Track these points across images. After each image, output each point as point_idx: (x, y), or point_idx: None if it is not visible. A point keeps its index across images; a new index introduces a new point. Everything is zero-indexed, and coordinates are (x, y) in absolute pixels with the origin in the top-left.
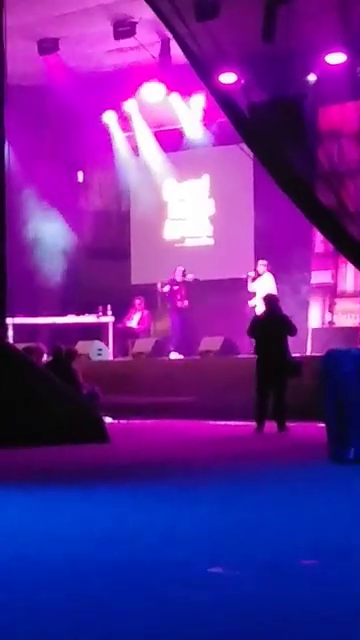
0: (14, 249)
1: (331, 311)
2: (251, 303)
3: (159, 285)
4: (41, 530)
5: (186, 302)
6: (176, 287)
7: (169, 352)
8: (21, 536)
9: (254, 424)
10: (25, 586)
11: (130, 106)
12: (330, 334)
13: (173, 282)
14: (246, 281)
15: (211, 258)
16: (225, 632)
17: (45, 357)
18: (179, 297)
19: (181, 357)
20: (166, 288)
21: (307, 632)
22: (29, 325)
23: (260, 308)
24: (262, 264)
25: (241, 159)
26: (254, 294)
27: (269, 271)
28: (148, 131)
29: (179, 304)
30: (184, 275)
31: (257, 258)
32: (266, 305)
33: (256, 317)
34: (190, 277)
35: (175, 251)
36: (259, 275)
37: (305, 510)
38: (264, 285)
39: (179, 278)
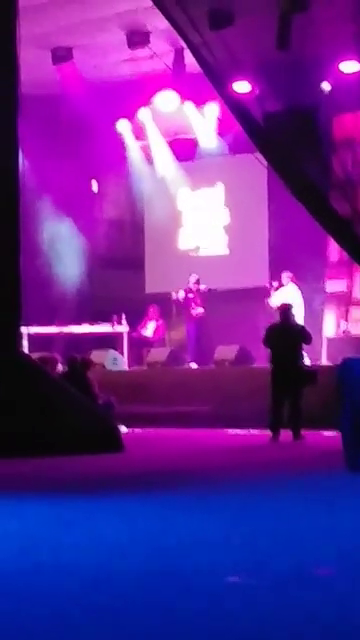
0: (29, 258)
1: (346, 320)
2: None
3: (173, 294)
4: (56, 539)
5: (201, 310)
6: (191, 295)
7: (187, 362)
8: (36, 545)
9: (269, 433)
10: (40, 596)
11: (144, 115)
12: (345, 343)
13: (188, 290)
14: (269, 291)
15: (226, 267)
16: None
17: (60, 367)
18: (193, 305)
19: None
20: (181, 293)
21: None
22: (44, 335)
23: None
24: (286, 276)
25: (255, 168)
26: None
27: (293, 282)
28: (162, 140)
29: (193, 312)
30: (197, 283)
31: (272, 267)
32: (280, 314)
33: (271, 326)
34: (204, 287)
35: (189, 260)
36: (282, 285)
37: (321, 519)
38: (288, 295)
39: (193, 286)
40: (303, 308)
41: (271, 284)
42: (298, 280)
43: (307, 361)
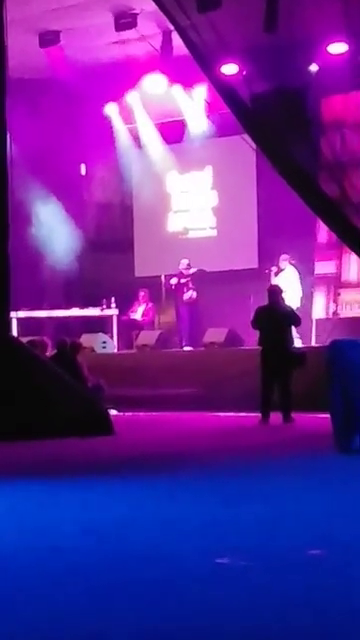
0: (18, 243)
1: (335, 302)
2: None
3: (163, 277)
4: (46, 522)
5: (194, 294)
6: (183, 280)
7: (181, 346)
8: (26, 528)
9: (259, 415)
10: (30, 577)
11: (132, 98)
12: (334, 325)
13: (180, 275)
14: (269, 276)
15: (214, 250)
16: (233, 622)
17: (49, 350)
18: (185, 290)
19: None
20: (173, 280)
21: (314, 622)
22: (33, 319)
23: (290, 303)
24: (284, 259)
25: (244, 150)
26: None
27: (291, 264)
28: (150, 123)
29: (185, 297)
30: (188, 267)
31: (260, 249)
32: (269, 296)
33: (260, 308)
34: (194, 270)
35: (178, 243)
36: (281, 270)
37: (312, 500)
38: (287, 279)
39: (184, 271)
40: (301, 290)
41: (270, 269)
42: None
43: (299, 343)
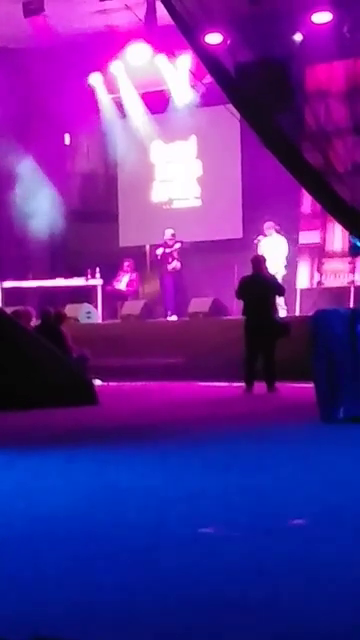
0: (1, 213)
1: (319, 271)
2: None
3: (147, 248)
4: (29, 491)
5: (178, 265)
6: (168, 250)
7: (168, 315)
8: (8, 496)
9: (243, 385)
10: (13, 544)
11: (116, 68)
12: (319, 294)
13: (165, 245)
14: (256, 246)
15: (199, 219)
16: (215, 592)
17: (34, 320)
18: (170, 260)
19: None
20: (159, 251)
21: (297, 590)
22: (17, 289)
23: (274, 268)
24: (268, 226)
25: (228, 120)
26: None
27: (277, 232)
28: (134, 92)
29: (169, 267)
30: (173, 237)
31: (245, 219)
32: (253, 266)
33: (244, 278)
34: (177, 246)
35: (163, 213)
36: (265, 236)
37: (294, 470)
38: (272, 245)
39: (169, 241)
40: (286, 257)
41: (257, 239)
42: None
43: (283, 313)
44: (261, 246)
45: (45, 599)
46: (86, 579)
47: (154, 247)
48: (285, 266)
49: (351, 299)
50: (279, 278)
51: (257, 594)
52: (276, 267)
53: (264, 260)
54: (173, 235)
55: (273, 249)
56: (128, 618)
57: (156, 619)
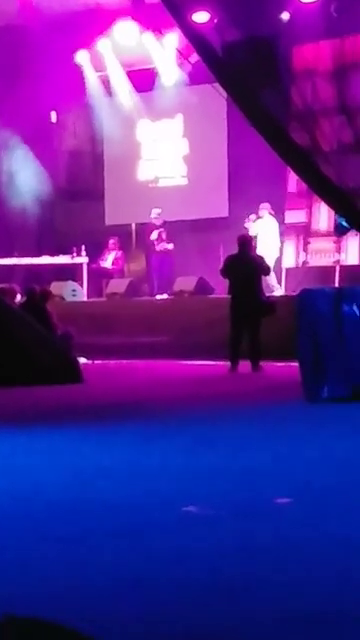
0: None
1: (305, 251)
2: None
3: (133, 226)
4: (13, 470)
5: (170, 246)
6: (157, 231)
7: (153, 294)
8: None
9: (228, 364)
10: None
11: (103, 46)
12: (304, 274)
13: (155, 226)
14: (246, 223)
15: (185, 198)
16: (199, 571)
17: (19, 298)
18: (159, 240)
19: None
20: (154, 236)
21: (281, 571)
22: (3, 266)
23: (265, 250)
24: (263, 207)
25: (215, 99)
26: (256, 237)
27: (271, 214)
28: (121, 71)
29: (158, 247)
30: (159, 216)
31: (231, 198)
32: (239, 245)
33: (229, 257)
34: (160, 231)
35: (149, 191)
36: (259, 218)
37: (279, 449)
38: (265, 228)
39: (157, 221)
40: (279, 241)
41: (249, 217)
42: (256, 211)
43: (279, 292)
44: (253, 227)
45: (27, 579)
46: (69, 558)
47: (140, 225)
48: (279, 248)
49: (336, 278)
50: (272, 260)
51: (243, 574)
52: (269, 249)
53: (250, 239)
54: (158, 215)
55: (266, 231)
56: (113, 598)
57: (141, 598)
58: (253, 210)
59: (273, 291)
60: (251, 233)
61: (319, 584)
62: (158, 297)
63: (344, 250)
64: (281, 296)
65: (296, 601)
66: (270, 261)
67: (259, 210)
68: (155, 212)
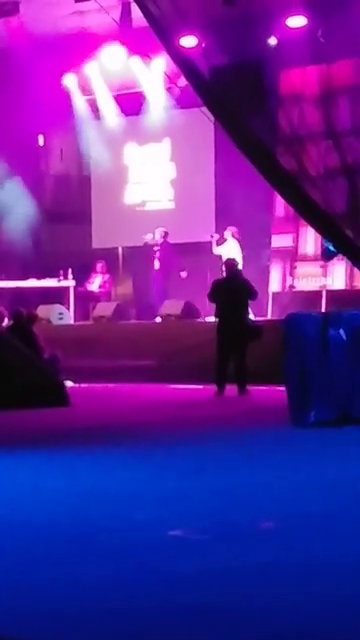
0: None
1: (292, 275)
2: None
3: (120, 250)
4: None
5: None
6: (156, 247)
7: (141, 318)
8: None
9: (215, 387)
10: None
11: (91, 69)
12: (291, 298)
13: (156, 246)
14: (210, 243)
15: (172, 222)
16: (184, 595)
17: (5, 321)
18: (154, 258)
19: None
20: (156, 265)
21: (266, 593)
22: None
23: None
24: (229, 230)
25: (202, 123)
26: (219, 257)
27: (235, 238)
28: (109, 94)
29: (155, 266)
30: (164, 236)
31: (218, 221)
32: (226, 269)
33: (216, 281)
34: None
35: (136, 215)
36: (224, 240)
37: (265, 473)
38: (229, 251)
39: (160, 240)
40: (241, 265)
41: (212, 235)
42: (243, 234)
43: (250, 316)
44: (217, 249)
45: (15, 600)
46: (56, 582)
47: (127, 249)
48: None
49: (323, 303)
50: None
51: (228, 596)
52: None
53: (237, 263)
54: (165, 234)
55: (229, 254)
56: (98, 620)
57: (127, 621)
58: (240, 235)
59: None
60: (215, 253)
61: (304, 607)
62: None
63: (330, 274)
64: (268, 320)
65: (282, 624)
66: None
67: (224, 232)
68: (160, 231)
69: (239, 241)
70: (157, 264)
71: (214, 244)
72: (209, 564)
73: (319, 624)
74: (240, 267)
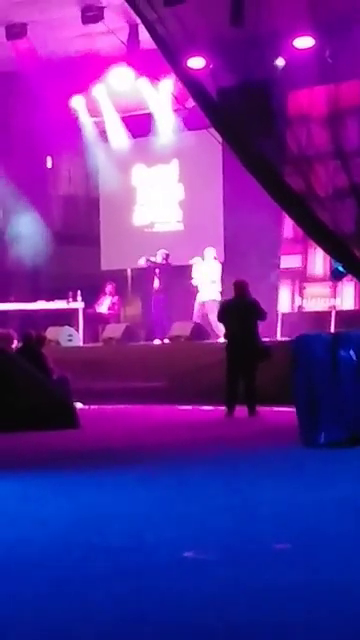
0: None
1: (301, 295)
2: (194, 282)
3: (129, 271)
4: (12, 515)
5: (157, 283)
6: (157, 270)
7: (150, 339)
8: None
9: (224, 409)
10: None
11: (98, 91)
12: (300, 319)
13: (157, 265)
14: (191, 267)
15: (181, 243)
16: (198, 617)
17: (15, 343)
18: (154, 278)
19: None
20: (156, 283)
21: (281, 613)
22: None
23: (204, 291)
24: (209, 251)
25: (210, 144)
26: (197, 279)
27: (215, 259)
28: (117, 116)
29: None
30: (166, 258)
31: (226, 242)
32: (236, 290)
33: (226, 302)
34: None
35: (144, 236)
36: (204, 261)
37: (276, 494)
38: (208, 271)
39: (162, 261)
40: (219, 287)
41: (193, 260)
42: (252, 255)
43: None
44: (197, 270)
45: (24, 626)
46: (68, 605)
47: (136, 270)
48: (220, 292)
49: (332, 324)
50: (214, 303)
51: (239, 619)
52: (210, 293)
53: (246, 284)
54: (167, 256)
55: (209, 274)
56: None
57: None
58: (249, 256)
59: (219, 336)
60: (193, 275)
61: (319, 629)
62: (156, 342)
63: (340, 295)
64: (277, 341)
65: None
66: (210, 306)
67: (204, 253)
68: (162, 253)
69: (219, 262)
70: (157, 284)
71: (195, 266)
72: (224, 585)
73: None
74: (219, 289)
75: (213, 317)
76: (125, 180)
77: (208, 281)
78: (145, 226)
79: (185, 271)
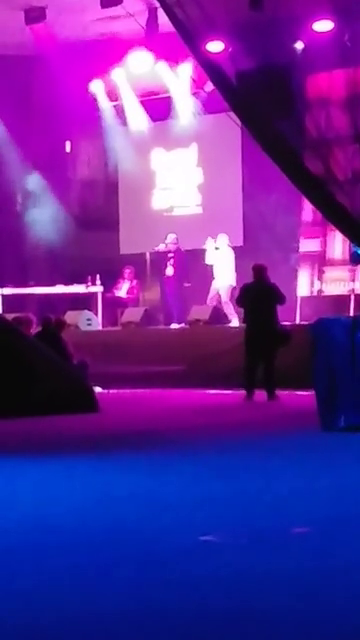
0: (2, 220)
1: (320, 279)
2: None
3: (148, 255)
4: (31, 500)
5: (171, 270)
6: (170, 255)
7: (169, 323)
8: (10, 505)
9: (244, 393)
10: (11, 556)
11: (117, 75)
12: (319, 302)
13: (170, 252)
14: (204, 251)
15: (200, 227)
16: (216, 601)
17: (34, 327)
18: (167, 265)
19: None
20: (169, 269)
21: (300, 598)
22: (18, 295)
23: (219, 277)
24: (222, 238)
25: (229, 127)
26: (211, 266)
27: (228, 245)
28: (136, 100)
29: (166, 273)
30: (176, 243)
31: (245, 226)
32: (254, 274)
33: (245, 286)
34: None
35: (164, 220)
36: (217, 248)
37: (296, 478)
38: (223, 258)
39: (172, 247)
40: (234, 275)
41: (206, 245)
42: (271, 239)
43: (236, 322)
44: (210, 257)
45: (43, 609)
46: (86, 589)
47: (154, 254)
48: (234, 277)
49: (351, 307)
50: (225, 290)
51: (259, 604)
52: (225, 279)
53: (265, 268)
54: (176, 240)
55: (223, 261)
56: (128, 627)
57: (157, 628)
58: (268, 239)
59: (230, 321)
60: (207, 262)
61: (339, 613)
62: (173, 326)
63: (359, 279)
64: (296, 324)
65: (316, 630)
66: (224, 291)
67: (217, 240)
68: (172, 237)
69: (232, 249)
70: (170, 270)
71: (208, 253)
72: (242, 569)
73: (357, 631)
74: (234, 276)
75: (227, 302)
76: (144, 164)
77: (222, 267)
78: (164, 210)
79: (203, 255)
